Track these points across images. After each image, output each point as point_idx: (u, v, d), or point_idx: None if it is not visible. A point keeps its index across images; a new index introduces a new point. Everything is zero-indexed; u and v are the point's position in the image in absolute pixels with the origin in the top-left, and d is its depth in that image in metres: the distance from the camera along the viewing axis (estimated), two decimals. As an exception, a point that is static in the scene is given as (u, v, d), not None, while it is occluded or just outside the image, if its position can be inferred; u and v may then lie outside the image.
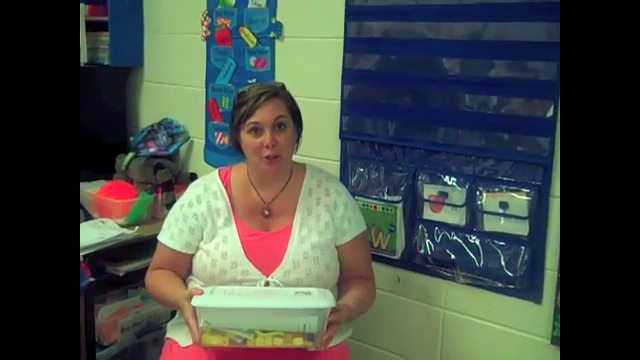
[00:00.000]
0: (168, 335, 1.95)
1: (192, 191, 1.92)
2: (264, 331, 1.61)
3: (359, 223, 1.94)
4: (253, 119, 1.78)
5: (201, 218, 1.86)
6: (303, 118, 1.90)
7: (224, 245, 1.82)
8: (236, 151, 1.90)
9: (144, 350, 2.59)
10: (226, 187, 1.89)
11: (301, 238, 1.82)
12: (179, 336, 1.87)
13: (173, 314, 2.11)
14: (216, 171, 1.95)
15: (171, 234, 1.89)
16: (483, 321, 2.12)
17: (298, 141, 1.92)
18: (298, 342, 1.62)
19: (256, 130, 1.78)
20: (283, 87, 1.87)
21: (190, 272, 1.90)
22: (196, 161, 2.81)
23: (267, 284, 1.78)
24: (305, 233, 1.83)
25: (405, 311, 2.28)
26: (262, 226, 1.86)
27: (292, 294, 1.70)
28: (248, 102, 1.78)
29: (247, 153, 1.84)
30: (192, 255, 1.88)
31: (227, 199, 1.87)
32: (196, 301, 1.61)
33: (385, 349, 2.35)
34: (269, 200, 1.87)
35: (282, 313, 1.61)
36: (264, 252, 1.81)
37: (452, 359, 2.23)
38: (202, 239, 1.87)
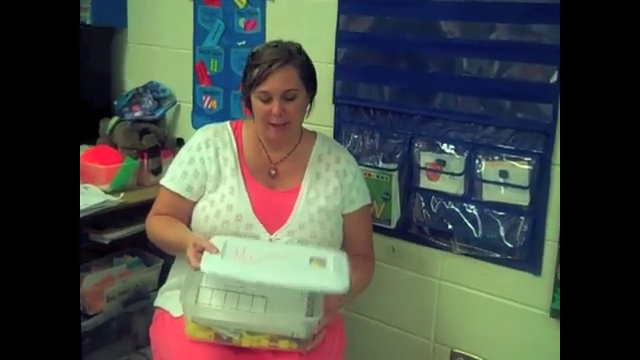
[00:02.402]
0: (158, 304, 1.89)
1: (201, 134, 1.89)
2: (251, 332, 1.61)
3: (366, 195, 1.93)
4: (262, 88, 1.74)
5: (207, 163, 1.83)
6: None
7: (230, 196, 1.79)
8: (247, 108, 1.87)
9: (131, 319, 2.54)
10: (236, 138, 1.88)
11: (308, 200, 1.81)
12: (170, 305, 1.81)
13: (161, 282, 2.05)
14: (227, 122, 1.94)
15: (173, 176, 1.86)
16: (480, 292, 2.07)
17: (310, 105, 1.88)
18: (284, 345, 1.62)
19: (265, 97, 1.74)
20: (299, 50, 1.81)
21: (190, 221, 1.85)
22: (183, 126, 2.73)
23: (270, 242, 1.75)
24: (313, 196, 1.82)
25: (400, 282, 2.23)
26: (269, 184, 1.85)
27: (307, 261, 1.64)
28: (260, 67, 1.74)
29: (255, 116, 1.81)
30: (193, 203, 1.83)
31: (236, 150, 1.85)
32: (206, 265, 1.56)
33: (379, 320, 2.31)
34: (277, 161, 1.86)
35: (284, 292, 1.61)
36: (271, 209, 1.79)
37: (447, 331, 2.18)
38: (205, 187, 1.83)
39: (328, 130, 2.27)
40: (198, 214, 1.81)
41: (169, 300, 1.83)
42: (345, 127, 2.26)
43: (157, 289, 2.06)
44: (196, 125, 2.65)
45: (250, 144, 1.88)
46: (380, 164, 2.17)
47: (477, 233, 2.01)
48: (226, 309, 1.60)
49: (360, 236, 1.90)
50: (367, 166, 2.18)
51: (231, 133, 1.88)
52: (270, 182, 1.85)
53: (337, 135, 2.27)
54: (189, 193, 1.83)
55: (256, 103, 1.77)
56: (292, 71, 1.74)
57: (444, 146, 2.04)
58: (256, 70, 1.74)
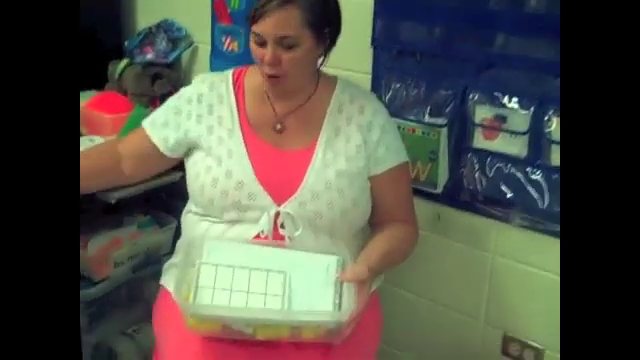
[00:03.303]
0: (162, 282, 1.64)
1: (196, 87, 1.60)
2: (265, 325, 1.35)
3: (399, 152, 1.59)
4: (256, 28, 1.43)
5: (195, 120, 1.55)
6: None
7: (228, 160, 1.50)
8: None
9: (142, 286, 2.30)
10: (237, 91, 1.57)
11: (325, 163, 1.49)
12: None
13: (174, 247, 1.79)
14: (230, 70, 1.62)
15: (153, 120, 1.59)
16: (541, 271, 1.78)
17: (328, 51, 1.55)
18: (308, 334, 1.36)
19: (259, 40, 1.44)
20: None
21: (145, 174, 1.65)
22: (200, 70, 2.41)
23: (277, 216, 1.47)
24: (330, 157, 1.50)
25: (445, 254, 1.95)
26: (275, 143, 1.54)
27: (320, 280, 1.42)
28: (260, 1, 1.42)
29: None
30: (165, 159, 1.58)
31: (234, 104, 1.55)
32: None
33: (419, 295, 2.05)
34: (284, 113, 1.54)
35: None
36: (277, 174, 1.50)
37: (500, 312, 1.91)
38: (188, 151, 1.56)
39: (364, 78, 1.95)
40: (193, 183, 1.54)
41: (173, 279, 1.57)
42: (385, 75, 1.94)
43: (171, 252, 1.83)
44: (215, 69, 2.34)
45: (253, 95, 1.58)
46: (426, 118, 1.86)
47: (542, 203, 1.70)
48: (233, 305, 1.35)
49: (393, 200, 1.59)
50: (411, 120, 1.88)
51: (230, 85, 1.58)
52: (277, 140, 1.54)
53: (375, 84, 1.96)
54: (164, 145, 1.56)
55: (252, 45, 1.48)
56: (294, 13, 1.40)
57: (505, 99, 1.72)
58: (255, 5, 1.43)
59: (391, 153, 1.56)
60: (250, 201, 1.46)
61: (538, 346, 1.86)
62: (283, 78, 1.46)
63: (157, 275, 2.15)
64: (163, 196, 2.33)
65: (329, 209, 1.47)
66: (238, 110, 1.55)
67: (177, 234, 2.13)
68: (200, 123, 1.54)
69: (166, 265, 1.69)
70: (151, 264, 2.26)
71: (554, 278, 1.75)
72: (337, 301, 1.37)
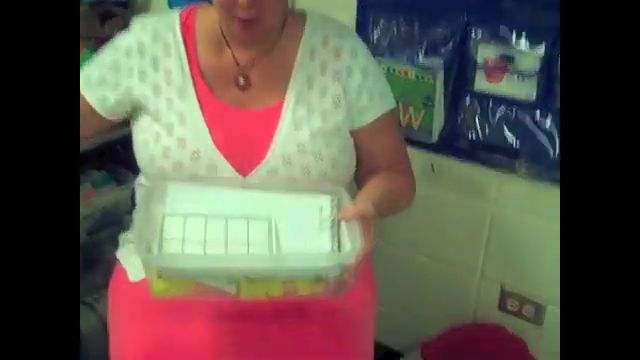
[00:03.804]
0: (118, 256, 1.42)
1: (135, 35, 1.29)
2: (252, 279, 1.09)
3: (385, 97, 1.34)
4: None
5: (137, 77, 1.27)
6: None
7: (181, 127, 1.24)
8: None
9: (100, 250, 2.08)
10: (186, 38, 1.28)
11: (296, 122, 1.25)
12: (129, 264, 1.35)
13: (134, 204, 1.56)
14: (176, 12, 1.32)
15: (87, 78, 1.30)
16: (547, 223, 1.66)
17: None
18: (304, 289, 1.10)
19: None
20: None
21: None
22: (158, 8, 2.17)
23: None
24: (302, 114, 1.25)
25: (440, 207, 1.82)
26: (237, 101, 1.27)
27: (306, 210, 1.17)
28: None
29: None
30: (106, 121, 1.32)
31: (183, 58, 1.27)
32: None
33: (413, 251, 1.92)
34: (247, 63, 1.27)
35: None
36: (241, 139, 1.25)
37: (499, 266, 1.80)
38: (132, 113, 1.31)
39: (347, 16, 1.74)
40: (141, 153, 1.28)
41: (129, 256, 1.36)
42: (372, 11, 1.74)
43: (131, 211, 1.60)
44: (174, 7, 2.09)
45: (206, 42, 1.29)
46: (421, 60, 1.69)
47: (552, 152, 1.57)
48: (210, 253, 1.11)
49: (382, 153, 1.36)
50: (403, 62, 1.70)
51: (178, 31, 1.28)
52: (239, 97, 1.28)
53: (361, 20, 1.76)
54: (102, 106, 1.29)
55: None
56: None
57: (513, 37, 1.55)
58: None
59: (375, 100, 1.31)
60: (209, 173, 1.23)
61: (539, 302, 1.76)
62: (259, 21, 1.19)
63: (116, 238, 1.95)
64: (119, 149, 2.10)
65: (304, 174, 1.24)
66: (189, 62, 1.27)
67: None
68: (144, 81, 1.27)
69: (121, 238, 1.46)
70: (109, 225, 2.06)
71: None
72: (336, 245, 1.15)
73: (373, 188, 1.25)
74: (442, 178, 1.79)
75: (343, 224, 1.14)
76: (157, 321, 1.22)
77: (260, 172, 1.23)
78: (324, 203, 1.19)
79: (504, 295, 1.81)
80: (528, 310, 1.79)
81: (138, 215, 1.21)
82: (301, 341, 1.24)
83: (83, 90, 1.30)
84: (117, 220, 2.06)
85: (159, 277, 1.08)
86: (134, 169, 1.46)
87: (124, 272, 1.35)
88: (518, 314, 1.81)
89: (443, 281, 1.90)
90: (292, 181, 1.23)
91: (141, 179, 1.37)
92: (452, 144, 1.72)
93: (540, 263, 1.71)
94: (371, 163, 1.34)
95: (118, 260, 1.40)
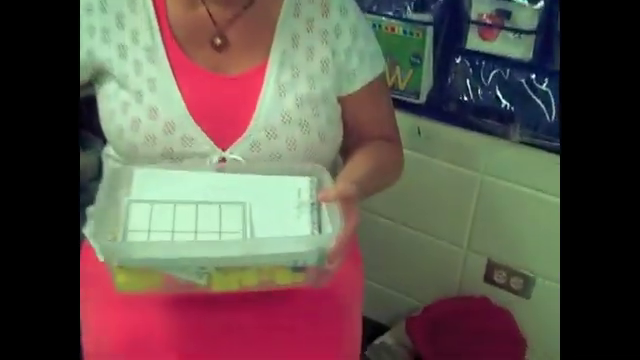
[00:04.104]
0: (85, 232, 1.29)
1: None
2: (224, 270, 0.99)
3: (376, 60, 1.21)
4: None
5: (100, 37, 1.11)
6: None
7: (151, 94, 1.10)
8: None
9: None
10: None
11: (280, 88, 1.12)
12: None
13: (100, 173, 1.42)
14: None
15: None
16: (539, 193, 1.57)
17: None
18: (283, 279, 1.00)
19: None
20: None
21: None
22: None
23: (222, 160, 1.12)
24: (287, 79, 1.12)
25: (426, 174, 1.71)
26: (214, 64, 1.14)
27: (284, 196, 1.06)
28: None
29: None
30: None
31: (151, 14, 1.12)
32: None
33: (396, 221, 1.81)
34: (224, 22, 1.14)
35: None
36: (220, 108, 1.12)
37: (485, 238, 1.71)
38: (98, 72, 1.14)
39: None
40: (107, 124, 1.14)
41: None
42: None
43: (98, 178, 1.46)
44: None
45: None
46: (409, 14, 1.56)
47: (549, 117, 1.46)
48: (177, 240, 0.99)
49: (371, 120, 1.24)
50: (389, 17, 1.57)
51: None
52: (215, 61, 1.14)
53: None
54: None
55: None
56: None
57: (510, -11, 1.44)
58: None
59: (366, 64, 1.18)
60: (185, 147, 1.10)
61: (528, 274, 1.67)
62: None
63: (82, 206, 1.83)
64: (84, 111, 1.95)
65: (290, 148, 1.12)
66: (158, 19, 1.13)
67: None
68: (107, 41, 1.12)
69: (88, 211, 1.32)
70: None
71: (554, 201, 1.54)
72: (317, 229, 1.04)
73: (356, 166, 1.14)
74: (429, 143, 1.68)
75: (324, 207, 1.03)
76: (134, 306, 1.11)
77: (241, 146, 1.10)
78: (303, 185, 1.07)
79: (491, 267, 1.72)
80: (516, 282, 1.70)
81: (99, 201, 1.07)
82: (283, 331, 1.13)
83: None
84: (82, 187, 1.92)
85: (121, 269, 0.96)
86: (100, 133, 1.33)
87: (92, 250, 1.22)
88: (505, 286, 1.72)
89: (428, 251, 1.81)
90: (275, 157, 1.11)
91: (110, 150, 1.23)
92: (440, 106, 1.61)
93: (530, 235, 1.63)
94: (358, 134, 1.22)
95: (85, 236, 1.27)
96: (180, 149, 1.08)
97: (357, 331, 1.26)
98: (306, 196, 1.05)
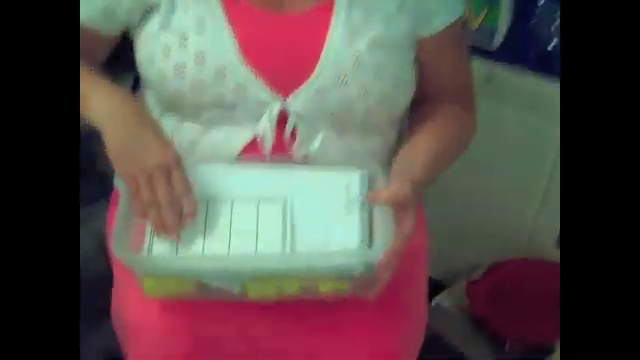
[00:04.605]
0: (117, 183, 1.17)
1: None
2: (260, 279, 0.90)
3: (455, 3, 1.06)
4: None
5: None
6: None
7: (198, 36, 0.97)
8: None
9: (90, 161, 1.80)
10: None
11: (351, 27, 0.99)
12: None
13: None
14: None
15: None
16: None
17: None
18: (326, 287, 0.91)
19: None
20: None
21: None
22: None
23: (283, 115, 0.99)
24: (359, 18, 0.99)
25: (497, 125, 1.54)
26: (272, 3, 1.01)
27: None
28: None
29: None
30: (108, 38, 1.04)
31: None
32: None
33: (461, 170, 1.62)
34: None
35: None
36: (278, 52, 1.00)
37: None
38: (144, 16, 1.01)
39: None
40: (147, 70, 1.01)
41: None
42: None
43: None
44: None
45: None
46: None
47: None
48: (209, 253, 0.92)
49: (446, 72, 1.10)
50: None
51: None
52: None
53: None
54: (108, 22, 1.01)
55: None
56: None
57: None
58: None
59: (446, 5, 1.03)
60: (238, 96, 0.98)
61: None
62: None
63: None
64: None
65: (362, 97, 0.98)
66: None
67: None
68: None
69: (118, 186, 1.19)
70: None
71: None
72: (365, 236, 0.95)
73: (418, 154, 1.02)
74: (502, 91, 1.51)
75: (376, 207, 0.94)
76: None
77: (304, 94, 0.98)
78: (352, 180, 0.97)
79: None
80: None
81: (120, 201, 0.95)
82: (342, 313, 1.04)
83: (84, 16, 1.00)
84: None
85: (148, 277, 0.90)
86: (132, 68, 1.17)
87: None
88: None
89: (496, 206, 1.67)
90: (345, 106, 0.99)
91: (147, 95, 1.08)
92: (517, 52, 1.45)
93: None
94: (430, 85, 1.08)
95: (116, 186, 1.14)
96: (233, 98, 0.97)
97: (423, 309, 1.16)
98: (355, 193, 0.95)
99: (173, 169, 0.89)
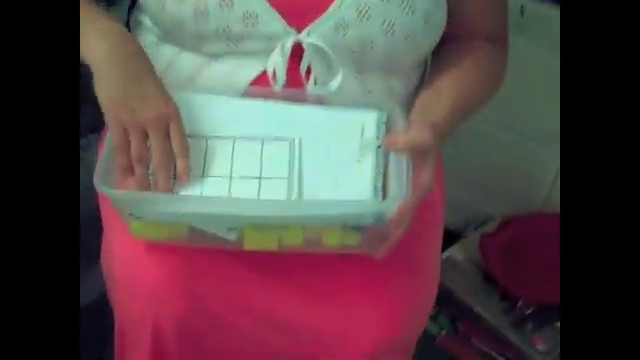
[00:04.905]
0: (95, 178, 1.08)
1: None
2: (259, 228, 0.82)
3: None
4: None
5: None
6: None
7: None
8: None
9: (88, 87, 1.71)
10: None
11: None
12: None
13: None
14: None
15: None
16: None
17: None
18: (332, 239, 0.83)
19: None
20: None
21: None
22: None
23: (298, 49, 0.88)
24: None
25: (525, 64, 1.40)
26: None
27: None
28: None
29: None
30: None
31: None
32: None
33: (484, 118, 1.56)
34: None
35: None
36: None
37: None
38: None
39: None
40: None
41: None
42: None
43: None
44: None
45: None
46: None
47: None
48: (206, 197, 0.83)
49: (481, 7, 0.99)
50: None
51: None
52: None
53: None
54: None
55: None
56: None
57: None
58: None
59: None
60: (247, 26, 0.87)
61: None
62: None
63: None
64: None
65: (386, 34, 0.87)
66: None
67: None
68: None
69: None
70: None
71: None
72: (379, 184, 0.86)
73: (440, 98, 0.92)
74: (533, 27, 1.38)
75: (392, 154, 0.85)
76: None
77: (322, 27, 0.87)
78: (368, 121, 0.89)
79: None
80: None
81: (108, 137, 0.85)
82: (345, 277, 0.95)
83: None
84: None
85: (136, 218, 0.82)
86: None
87: None
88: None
89: (515, 154, 1.57)
90: (367, 43, 0.88)
91: (145, 18, 0.98)
92: None
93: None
94: (461, 21, 0.97)
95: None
96: (241, 28, 0.86)
97: (436, 261, 1.08)
98: (371, 136, 0.88)
99: (172, 122, 0.79)
